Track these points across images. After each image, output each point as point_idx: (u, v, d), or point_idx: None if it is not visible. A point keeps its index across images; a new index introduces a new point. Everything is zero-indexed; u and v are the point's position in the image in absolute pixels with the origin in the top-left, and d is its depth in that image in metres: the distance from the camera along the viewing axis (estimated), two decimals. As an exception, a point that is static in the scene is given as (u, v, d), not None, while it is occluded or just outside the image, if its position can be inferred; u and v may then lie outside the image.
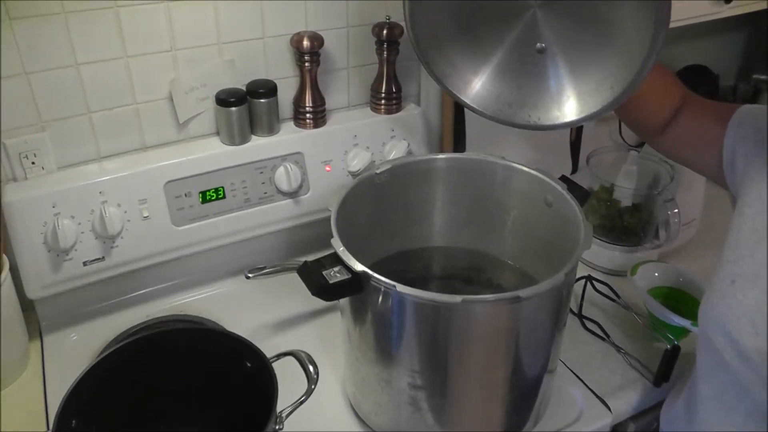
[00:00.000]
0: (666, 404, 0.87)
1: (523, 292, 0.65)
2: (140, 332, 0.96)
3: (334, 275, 0.70)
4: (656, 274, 1.04)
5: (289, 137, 1.07)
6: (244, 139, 1.03)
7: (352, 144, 1.11)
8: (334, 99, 1.14)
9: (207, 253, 1.06)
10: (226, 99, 1.00)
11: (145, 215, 0.97)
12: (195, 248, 1.04)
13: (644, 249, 1.13)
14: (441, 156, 0.90)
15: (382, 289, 0.68)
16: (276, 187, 1.06)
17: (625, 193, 1.10)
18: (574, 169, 1.45)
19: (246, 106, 1.02)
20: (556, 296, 0.72)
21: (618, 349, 0.98)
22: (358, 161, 1.10)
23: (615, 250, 1.13)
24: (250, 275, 0.95)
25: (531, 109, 0.81)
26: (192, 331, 0.82)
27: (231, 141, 1.03)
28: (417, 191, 0.92)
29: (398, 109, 1.14)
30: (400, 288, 0.66)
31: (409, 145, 1.13)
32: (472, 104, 0.83)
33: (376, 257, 0.93)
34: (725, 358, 0.66)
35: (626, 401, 0.91)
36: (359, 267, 0.69)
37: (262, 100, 1.02)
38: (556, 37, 0.76)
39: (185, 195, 1.00)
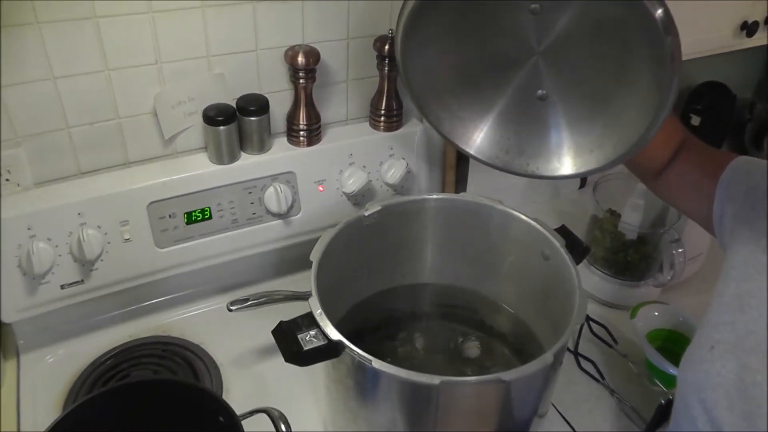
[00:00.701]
0: None
1: (506, 375, 0.61)
2: (115, 373, 0.92)
3: (310, 340, 0.65)
4: (656, 315, 0.99)
5: (280, 155, 1.01)
6: (233, 158, 0.97)
7: (348, 163, 1.05)
8: (330, 113, 1.07)
9: (192, 274, 1.01)
10: (214, 117, 0.94)
11: (126, 237, 0.92)
12: (179, 270, 0.99)
13: (646, 285, 1.08)
14: (434, 197, 0.84)
15: (357, 360, 0.64)
16: (265, 207, 1.00)
17: (631, 227, 1.04)
18: (582, 184, 1.39)
19: (236, 123, 0.95)
20: (543, 375, 0.67)
21: (612, 392, 0.94)
22: (353, 181, 1.04)
23: (616, 284, 1.08)
24: (232, 308, 0.90)
25: (530, 157, 0.75)
26: (167, 383, 0.78)
27: (219, 160, 0.97)
28: (408, 230, 0.87)
29: (398, 126, 1.08)
30: (376, 364, 0.62)
31: (408, 164, 1.07)
32: (471, 152, 0.77)
33: (364, 294, 0.89)
34: (698, 426, 0.62)
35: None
36: (336, 336, 0.64)
37: (252, 118, 0.96)
38: (558, 87, 0.70)
39: (169, 216, 0.95)
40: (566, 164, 0.73)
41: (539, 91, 0.71)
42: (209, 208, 0.97)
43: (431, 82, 0.74)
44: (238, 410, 0.69)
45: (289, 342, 0.65)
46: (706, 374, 0.61)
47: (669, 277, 1.03)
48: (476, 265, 0.90)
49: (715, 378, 0.60)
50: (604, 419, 0.91)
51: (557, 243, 0.78)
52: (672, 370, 0.89)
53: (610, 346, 0.97)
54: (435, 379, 0.60)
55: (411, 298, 0.93)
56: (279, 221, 1.02)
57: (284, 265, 1.09)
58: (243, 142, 0.98)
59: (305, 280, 0.73)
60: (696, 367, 0.63)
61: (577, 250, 0.78)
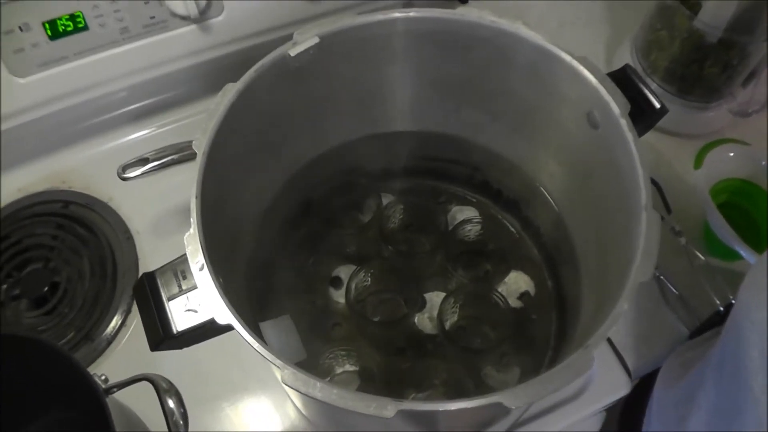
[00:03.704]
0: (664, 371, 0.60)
1: (510, 398, 0.34)
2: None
3: (188, 312, 0.38)
4: (731, 157, 0.68)
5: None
6: (100, -68, 0.59)
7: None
8: None
9: (82, 106, 0.70)
10: None
11: (-42, 69, 0.60)
12: (57, 105, 0.68)
13: (719, 108, 0.75)
14: (410, 14, 0.48)
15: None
16: (168, 9, 0.65)
17: (712, 27, 0.67)
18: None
19: None
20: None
21: (658, 276, 0.68)
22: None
23: (678, 104, 0.74)
24: (125, 175, 0.61)
25: None
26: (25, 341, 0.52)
27: (78, -65, 0.59)
28: (369, 69, 0.53)
29: None
30: (294, 380, 0.35)
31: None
32: None
33: (309, 154, 0.58)
34: (755, 393, 0.38)
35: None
36: (225, 315, 0.36)
37: None
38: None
39: (21, 28, 0.61)
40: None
41: None
42: (81, 13, 0.62)
43: None
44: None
45: (151, 316, 0.38)
46: None
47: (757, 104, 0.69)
48: (481, 114, 0.57)
49: None
50: (642, 309, 0.66)
51: (614, 104, 0.45)
52: (738, 248, 0.62)
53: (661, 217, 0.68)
54: (388, 410, 0.33)
55: (385, 151, 0.62)
56: (191, 28, 0.67)
57: (213, 76, 0.76)
58: None
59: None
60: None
61: (645, 113, 0.46)
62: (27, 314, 0.65)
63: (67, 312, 0.64)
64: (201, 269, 0.38)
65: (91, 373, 0.45)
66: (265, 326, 0.53)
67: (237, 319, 0.36)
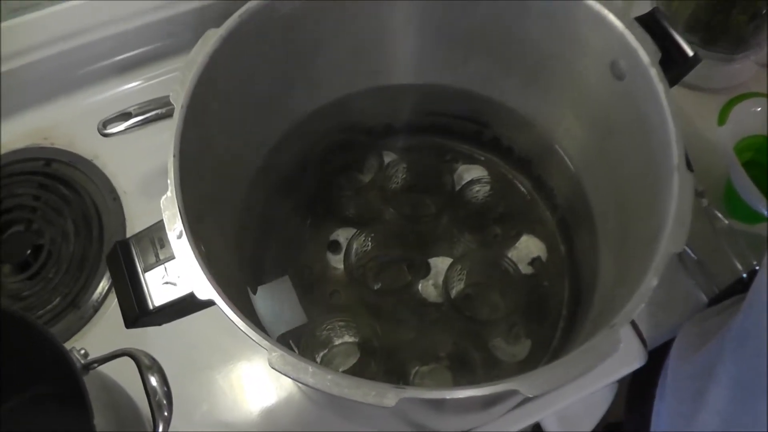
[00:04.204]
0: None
1: (527, 385, 0.30)
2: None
3: (166, 285, 0.34)
4: (757, 112, 0.63)
5: None
6: None
7: None
8: None
9: (63, 56, 0.65)
10: None
11: None
12: (36, 55, 0.63)
13: (745, 59, 0.69)
14: None
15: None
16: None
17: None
18: None
19: None
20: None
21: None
22: None
23: (703, 55, 0.69)
24: (106, 131, 0.56)
25: None
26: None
27: None
28: (367, 15, 0.47)
29: None
30: (282, 361, 0.31)
31: None
32: None
33: (307, 108, 0.53)
34: None
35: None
36: (206, 289, 0.32)
37: None
38: None
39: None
40: None
41: None
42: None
43: None
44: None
45: (125, 290, 0.34)
46: None
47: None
48: (490, 64, 0.52)
49: None
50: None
51: (642, 50, 0.40)
52: (763, 209, 0.57)
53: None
54: (389, 397, 0.29)
55: (385, 105, 0.58)
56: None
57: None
58: None
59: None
60: None
61: (674, 63, 0.41)
62: (9, 279, 0.61)
63: (51, 277, 0.60)
64: (179, 237, 0.33)
65: (72, 347, 0.41)
66: (263, 290, 0.50)
67: (219, 293, 0.32)
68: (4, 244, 0.62)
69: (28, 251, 0.61)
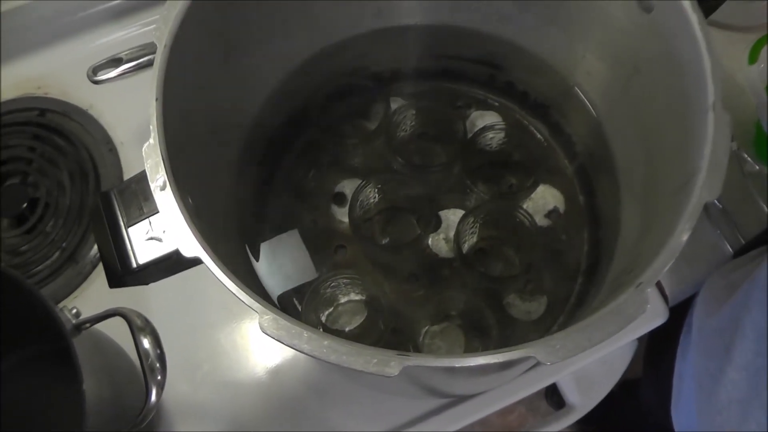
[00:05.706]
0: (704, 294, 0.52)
1: (541, 353, 0.27)
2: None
3: (150, 240, 0.31)
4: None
5: None
6: None
7: None
8: None
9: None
10: None
11: None
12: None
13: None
14: None
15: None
16: None
17: None
18: None
19: None
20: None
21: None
22: None
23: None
24: (97, 78, 0.52)
25: None
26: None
27: None
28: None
29: None
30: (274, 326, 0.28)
31: None
32: None
33: (312, 47, 0.49)
34: None
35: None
36: (193, 249, 0.29)
37: None
38: None
39: None
40: None
41: None
42: None
43: None
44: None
45: (107, 246, 0.31)
46: None
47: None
48: (504, 1, 0.47)
49: None
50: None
51: (675, -21, 0.35)
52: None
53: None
54: (392, 366, 0.26)
55: (385, 50, 0.53)
56: None
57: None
58: None
59: None
60: None
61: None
62: (7, 234, 0.59)
63: (49, 231, 0.58)
64: (163, 188, 0.30)
65: (64, 306, 0.39)
66: (267, 246, 0.47)
67: (206, 249, 0.28)
68: (1, 197, 0.59)
69: (25, 204, 0.59)
